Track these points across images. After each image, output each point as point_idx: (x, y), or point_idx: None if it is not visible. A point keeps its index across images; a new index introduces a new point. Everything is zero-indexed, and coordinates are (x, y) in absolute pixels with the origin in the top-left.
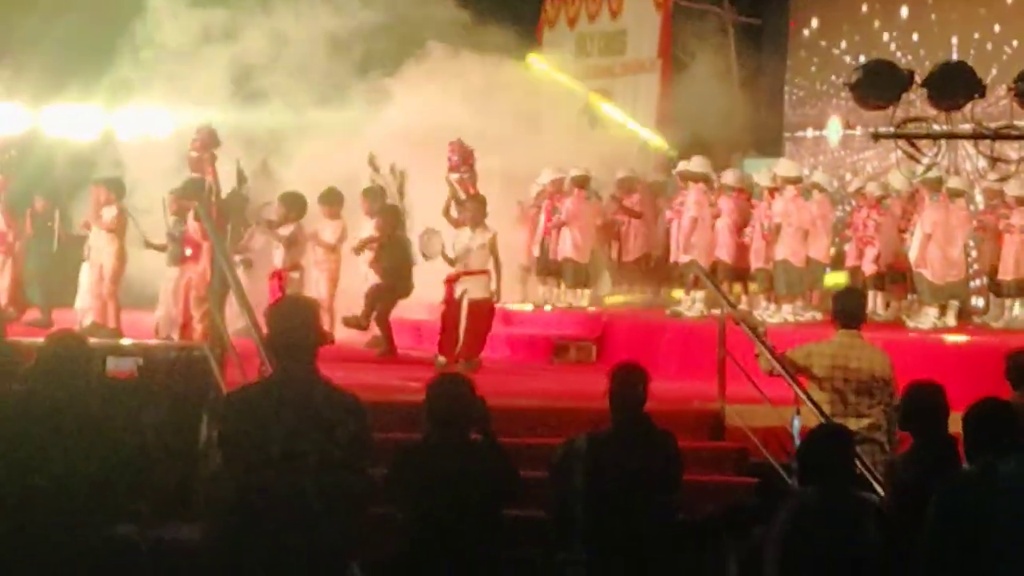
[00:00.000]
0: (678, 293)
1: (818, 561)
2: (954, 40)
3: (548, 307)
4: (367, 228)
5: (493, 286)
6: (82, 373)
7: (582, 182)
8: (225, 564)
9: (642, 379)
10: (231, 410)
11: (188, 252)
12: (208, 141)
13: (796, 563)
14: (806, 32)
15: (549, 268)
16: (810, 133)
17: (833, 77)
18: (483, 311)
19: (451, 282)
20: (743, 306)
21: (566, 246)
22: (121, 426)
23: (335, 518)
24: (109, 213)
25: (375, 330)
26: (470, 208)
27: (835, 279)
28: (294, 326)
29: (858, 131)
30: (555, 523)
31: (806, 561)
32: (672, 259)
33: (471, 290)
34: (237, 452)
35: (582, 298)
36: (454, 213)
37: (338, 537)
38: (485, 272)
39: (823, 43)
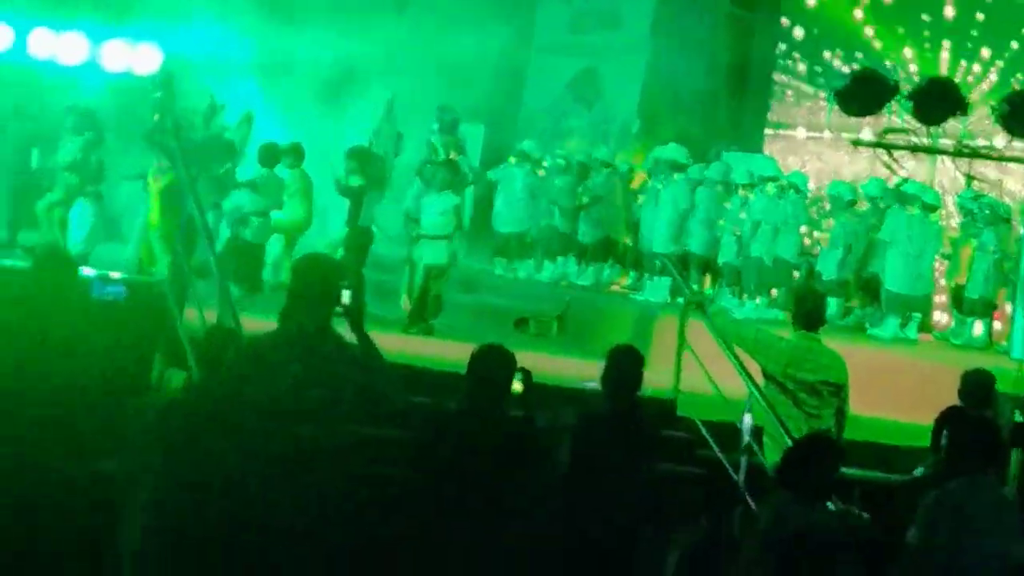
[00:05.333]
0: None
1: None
2: (943, 55)
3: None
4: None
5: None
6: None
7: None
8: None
9: (639, 362)
10: (244, 358)
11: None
12: (165, 82)
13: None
14: (798, 32)
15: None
16: (792, 132)
17: (821, 80)
18: (439, 276)
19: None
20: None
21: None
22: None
23: (327, 472)
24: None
25: None
26: (443, 172)
27: None
28: (316, 281)
29: (834, 135)
30: None
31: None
32: (642, 245)
33: (427, 255)
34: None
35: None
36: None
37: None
38: (445, 237)
39: (814, 45)
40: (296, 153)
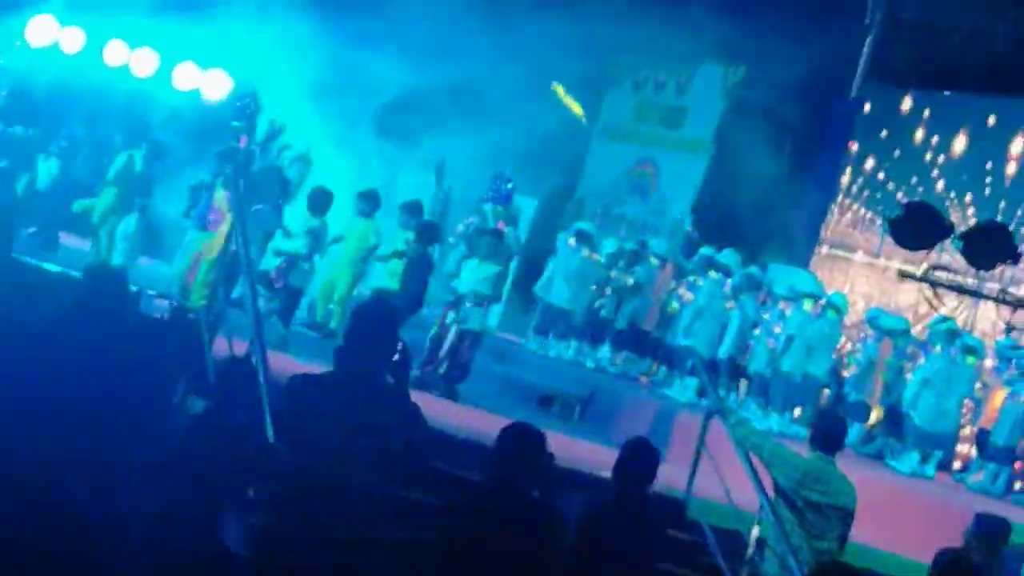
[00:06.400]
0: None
1: None
2: (1001, 205)
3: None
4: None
5: (491, 320)
6: (119, 306)
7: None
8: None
9: (655, 458)
10: (297, 393)
11: (212, 219)
12: (247, 109)
13: None
14: (865, 157)
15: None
16: (848, 254)
17: (879, 206)
18: (472, 342)
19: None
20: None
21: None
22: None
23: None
24: None
25: None
26: (487, 240)
27: None
28: (379, 327)
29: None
30: None
31: None
32: (674, 341)
33: (465, 319)
34: (296, 435)
35: (568, 350)
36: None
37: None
38: (480, 305)
39: (877, 171)
40: (371, 200)
